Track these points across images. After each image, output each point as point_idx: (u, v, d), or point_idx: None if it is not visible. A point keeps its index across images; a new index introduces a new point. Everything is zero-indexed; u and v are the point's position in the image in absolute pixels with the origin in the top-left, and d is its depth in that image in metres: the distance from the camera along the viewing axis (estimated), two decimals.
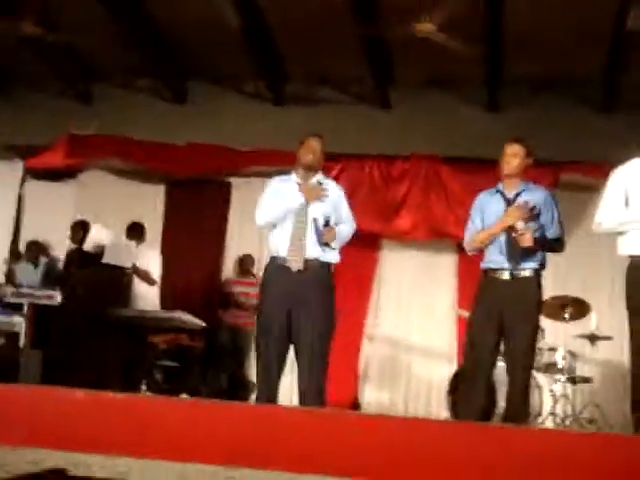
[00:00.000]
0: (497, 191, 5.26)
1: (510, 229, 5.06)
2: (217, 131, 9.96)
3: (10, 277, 8.38)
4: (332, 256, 5.20)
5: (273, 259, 5.19)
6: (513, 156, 5.15)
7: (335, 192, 5.33)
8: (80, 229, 8.70)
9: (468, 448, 3.10)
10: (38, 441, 3.09)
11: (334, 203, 5.27)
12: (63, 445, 3.06)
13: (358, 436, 3.21)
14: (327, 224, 5.12)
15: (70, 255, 8.67)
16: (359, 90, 10.39)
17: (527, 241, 4.97)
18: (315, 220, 5.12)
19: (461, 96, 10.10)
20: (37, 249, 9.18)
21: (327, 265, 5.18)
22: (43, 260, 9.17)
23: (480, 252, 5.29)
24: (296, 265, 5.06)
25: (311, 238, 5.11)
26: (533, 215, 5.04)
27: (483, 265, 5.22)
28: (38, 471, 2.83)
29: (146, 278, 8.01)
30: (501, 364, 5.58)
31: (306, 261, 5.07)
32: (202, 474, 3.03)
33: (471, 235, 5.29)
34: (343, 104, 10.31)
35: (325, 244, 5.12)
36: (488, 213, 5.22)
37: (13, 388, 3.72)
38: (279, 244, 5.15)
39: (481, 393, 5.05)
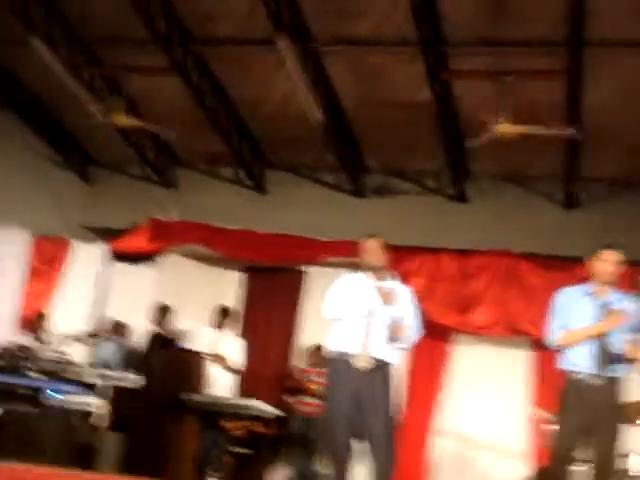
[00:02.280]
0: (587, 293, 5.10)
1: (603, 335, 4.99)
2: (296, 220, 10.13)
3: (89, 356, 8.53)
4: (396, 358, 5.34)
5: (337, 355, 5.28)
6: (614, 264, 5.03)
7: (405, 296, 5.43)
8: (161, 312, 8.92)
9: None
10: None
11: (404, 306, 5.36)
12: None
13: None
14: (399, 322, 5.24)
15: (151, 337, 8.85)
16: (436, 184, 10.52)
17: (635, 352, 4.91)
18: (390, 318, 5.21)
19: (538, 192, 10.13)
20: (118, 329, 9.36)
21: (390, 365, 5.31)
22: (123, 341, 9.35)
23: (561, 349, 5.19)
24: (364, 365, 5.17)
25: (380, 339, 5.22)
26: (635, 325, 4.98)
27: (567, 367, 5.04)
28: None
29: (224, 364, 8.10)
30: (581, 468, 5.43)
31: (374, 360, 5.19)
32: None
33: (556, 333, 5.11)
34: (420, 197, 10.44)
35: (394, 340, 5.21)
36: (576, 313, 5.05)
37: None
38: (345, 341, 5.25)
39: None
